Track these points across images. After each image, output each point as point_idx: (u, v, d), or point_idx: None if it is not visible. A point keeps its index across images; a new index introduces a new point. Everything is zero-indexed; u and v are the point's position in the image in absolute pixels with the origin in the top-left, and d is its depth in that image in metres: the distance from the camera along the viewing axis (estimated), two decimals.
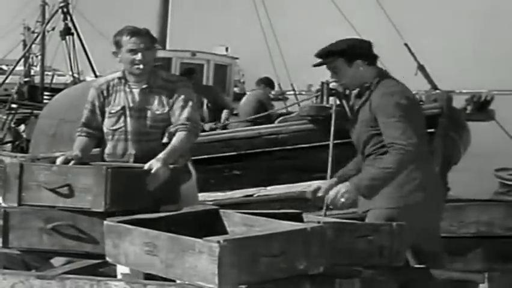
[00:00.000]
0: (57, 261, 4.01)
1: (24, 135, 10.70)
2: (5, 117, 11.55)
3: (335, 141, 6.40)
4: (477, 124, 7.48)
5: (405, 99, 3.81)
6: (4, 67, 33.93)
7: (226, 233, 3.23)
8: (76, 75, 16.27)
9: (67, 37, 15.46)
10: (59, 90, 12.16)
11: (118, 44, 4.06)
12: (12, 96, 14.57)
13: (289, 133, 7.14)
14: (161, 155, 3.77)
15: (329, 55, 3.92)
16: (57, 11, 15.41)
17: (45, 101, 14.53)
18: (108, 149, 4.11)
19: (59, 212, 3.44)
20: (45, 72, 23.16)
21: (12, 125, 11.20)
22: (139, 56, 3.99)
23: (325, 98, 7.00)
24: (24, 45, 33.27)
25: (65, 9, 15.12)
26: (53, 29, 17.89)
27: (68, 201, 3.42)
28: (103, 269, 3.40)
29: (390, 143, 3.76)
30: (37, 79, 24.63)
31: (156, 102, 4.06)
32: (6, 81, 14.92)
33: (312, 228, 2.85)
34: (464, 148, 7.48)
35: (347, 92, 6.91)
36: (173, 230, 2.87)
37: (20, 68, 20.81)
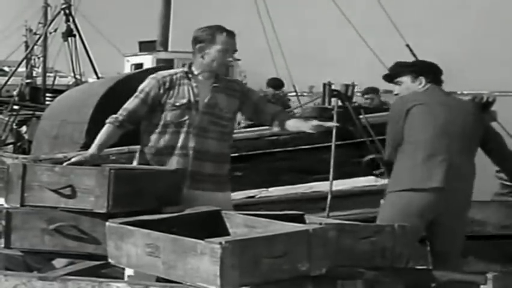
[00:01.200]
0: (59, 262, 4.01)
1: (26, 137, 10.68)
2: (6, 118, 11.53)
3: (337, 143, 6.40)
4: None
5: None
6: (6, 68, 33.89)
7: (228, 234, 3.23)
8: (77, 76, 16.29)
9: (69, 38, 15.48)
10: (61, 91, 12.12)
11: (207, 40, 4.10)
12: (14, 98, 14.56)
13: (291, 134, 7.12)
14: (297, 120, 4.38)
15: None
16: (59, 12, 15.44)
17: (47, 102, 14.49)
18: (166, 141, 4.09)
19: (62, 212, 3.44)
20: (47, 74, 23.12)
21: (14, 127, 11.18)
22: (229, 57, 4.12)
23: (327, 99, 6.98)
24: (26, 46, 33.19)
25: (67, 11, 15.15)
26: (55, 30, 17.96)
27: (70, 202, 3.42)
28: (105, 270, 3.40)
29: None
30: (39, 80, 24.59)
31: (226, 102, 4.14)
32: (8, 82, 14.93)
33: (314, 230, 2.85)
34: None
35: (349, 93, 6.91)
36: (175, 232, 2.87)
37: (22, 69, 20.77)
